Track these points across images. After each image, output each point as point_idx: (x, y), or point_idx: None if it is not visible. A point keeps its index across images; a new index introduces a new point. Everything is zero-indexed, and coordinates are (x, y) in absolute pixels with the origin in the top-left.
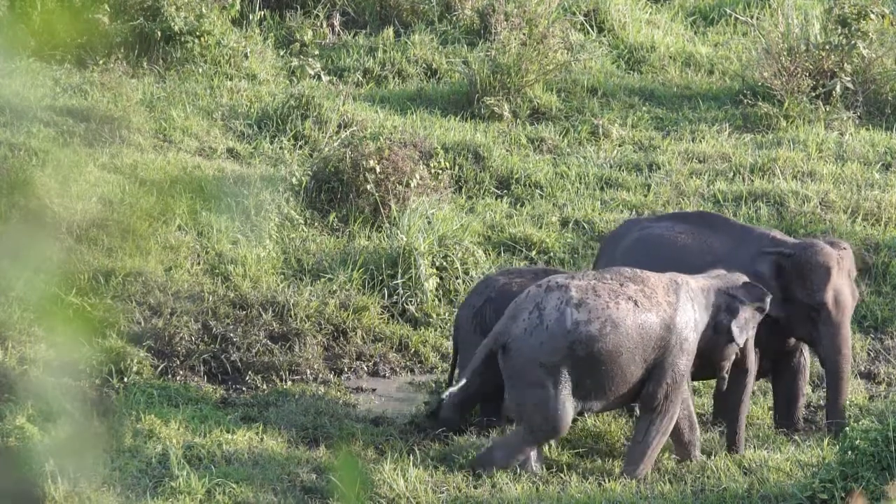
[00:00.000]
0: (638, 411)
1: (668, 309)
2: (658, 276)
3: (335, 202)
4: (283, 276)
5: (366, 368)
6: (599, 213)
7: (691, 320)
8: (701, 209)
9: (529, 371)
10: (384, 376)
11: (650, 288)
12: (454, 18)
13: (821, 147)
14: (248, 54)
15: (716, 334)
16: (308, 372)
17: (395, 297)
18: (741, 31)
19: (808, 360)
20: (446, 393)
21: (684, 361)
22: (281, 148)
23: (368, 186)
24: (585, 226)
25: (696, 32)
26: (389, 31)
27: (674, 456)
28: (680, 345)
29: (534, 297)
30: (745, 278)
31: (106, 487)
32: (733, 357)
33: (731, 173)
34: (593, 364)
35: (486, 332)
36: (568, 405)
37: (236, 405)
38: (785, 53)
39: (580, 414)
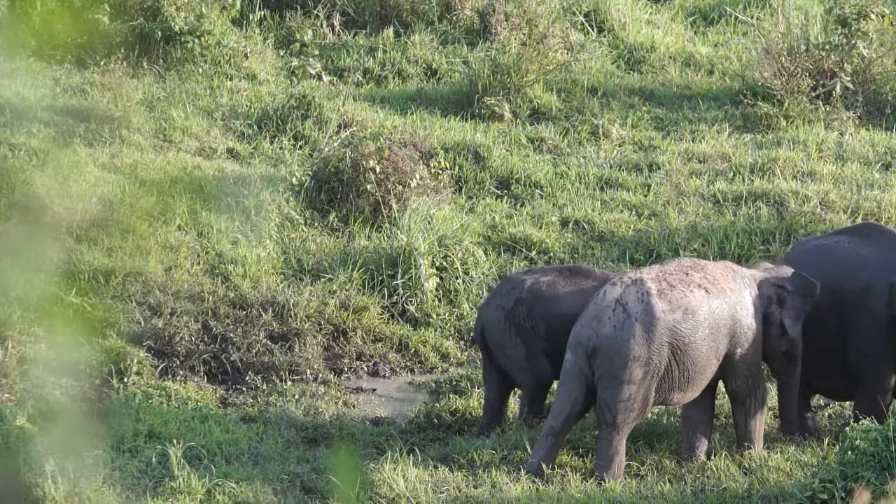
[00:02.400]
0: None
1: (732, 295)
2: (714, 265)
3: (335, 202)
4: (283, 277)
5: (366, 368)
6: (599, 213)
7: (751, 306)
8: (865, 221)
9: (623, 367)
10: (384, 376)
11: (711, 275)
12: (454, 18)
13: (821, 147)
14: (249, 54)
15: (767, 326)
16: (308, 372)
17: (395, 297)
18: (741, 31)
19: None
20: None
21: (753, 347)
22: (281, 148)
23: (368, 186)
24: (585, 226)
25: (696, 32)
26: (389, 32)
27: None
28: (744, 332)
29: (612, 296)
30: (791, 270)
31: (106, 487)
32: (784, 349)
33: (731, 173)
34: (680, 351)
35: (522, 332)
36: (651, 399)
37: (236, 405)
38: (785, 53)
39: (659, 405)
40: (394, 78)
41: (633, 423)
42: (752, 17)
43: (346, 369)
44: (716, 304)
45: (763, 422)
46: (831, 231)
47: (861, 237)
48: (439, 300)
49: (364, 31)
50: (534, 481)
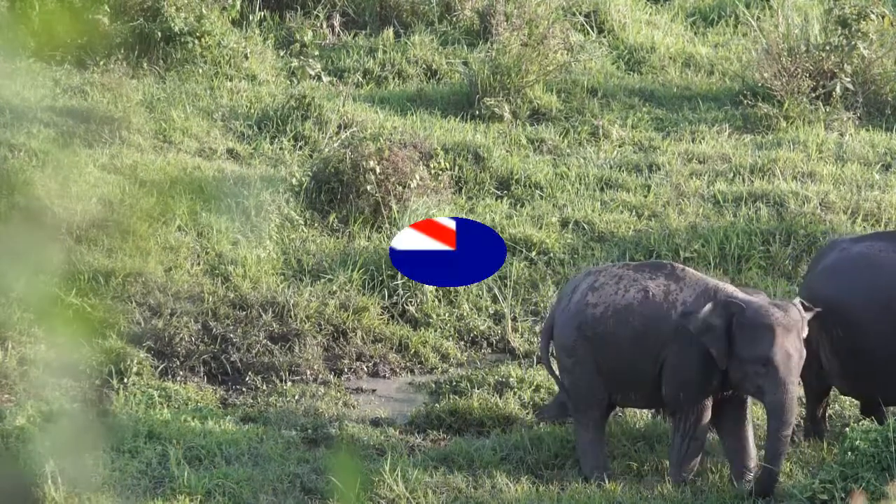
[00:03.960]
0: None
1: (675, 310)
2: (698, 280)
3: (335, 203)
4: (283, 277)
5: (366, 369)
6: (599, 214)
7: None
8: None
9: (560, 353)
10: (384, 377)
11: (679, 287)
12: (454, 19)
13: (821, 148)
14: (249, 55)
15: (733, 357)
16: (308, 372)
17: (395, 297)
18: (741, 32)
19: None
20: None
21: (695, 367)
22: (281, 149)
23: (368, 187)
24: (585, 226)
25: (696, 33)
26: (389, 32)
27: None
28: (686, 349)
29: (573, 282)
30: (780, 303)
31: (106, 488)
32: (754, 386)
33: (731, 174)
34: (601, 349)
35: None
36: (595, 389)
37: (236, 406)
38: (785, 54)
39: (611, 405)
40: (394, 78)
41: (595, 416)
42: (752, 18)
43: (346, 370)
44: (652, 310)
45: (694, 447)
46: (853, 237)
47: None
48: (439, 301)
49: (364, 32)
50: (533, 482)
